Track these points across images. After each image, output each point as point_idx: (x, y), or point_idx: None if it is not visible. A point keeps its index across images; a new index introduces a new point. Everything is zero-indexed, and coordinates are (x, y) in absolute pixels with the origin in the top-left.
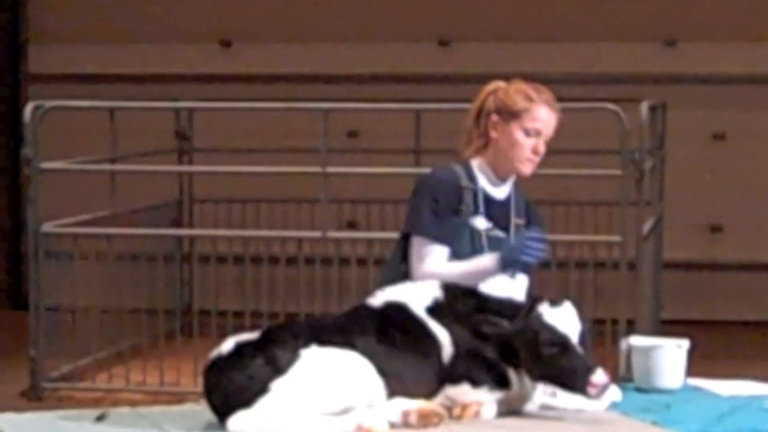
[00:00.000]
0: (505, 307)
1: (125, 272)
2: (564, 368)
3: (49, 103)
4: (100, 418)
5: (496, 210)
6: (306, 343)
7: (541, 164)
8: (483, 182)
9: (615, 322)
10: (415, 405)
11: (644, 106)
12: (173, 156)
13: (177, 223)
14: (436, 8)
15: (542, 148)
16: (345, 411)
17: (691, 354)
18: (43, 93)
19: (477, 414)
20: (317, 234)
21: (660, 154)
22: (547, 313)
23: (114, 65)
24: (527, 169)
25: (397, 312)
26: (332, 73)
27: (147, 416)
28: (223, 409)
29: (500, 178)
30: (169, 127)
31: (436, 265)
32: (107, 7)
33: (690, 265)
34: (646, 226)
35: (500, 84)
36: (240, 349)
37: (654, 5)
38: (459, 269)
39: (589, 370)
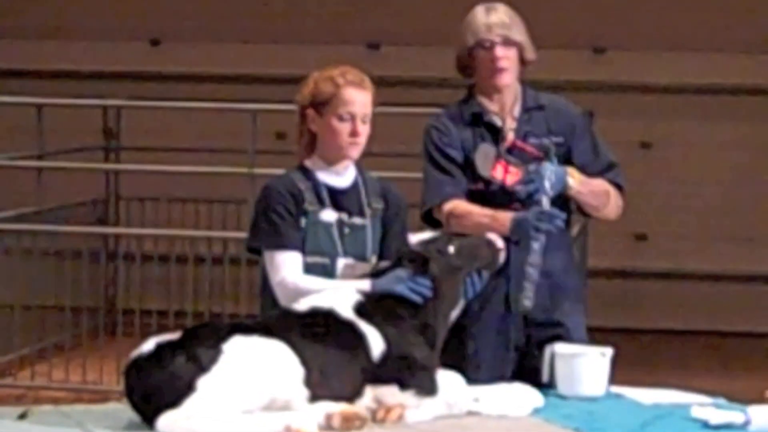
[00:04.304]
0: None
1: (50, 269)
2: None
3: None
4: (22, 416)
5: (344, 199)
6: (227, 337)
7: None
8: (322, 176)
9: None
10: (338, 408)
11: None
12: (100, 153)
13: (102, 221)
14: (363, 13)
15: (362, 129)
16: (272, 401)
17: (615, 362)
18: None
19: (400, 417)
20: (243, 235)
21: None
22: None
23: (42, 61)
24: (353, 153)
25: (324, 315)
26: (260, 74)
27: (70, 415)
28: (145, 409)
29: (336, 166)
30: (97, 125)
31: (293, 274)
32: (36, 3)
33: (614, 272)
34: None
35: (314, 75)
36: (161, 348)
37: (583, 13)
38: (320, 286)
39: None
